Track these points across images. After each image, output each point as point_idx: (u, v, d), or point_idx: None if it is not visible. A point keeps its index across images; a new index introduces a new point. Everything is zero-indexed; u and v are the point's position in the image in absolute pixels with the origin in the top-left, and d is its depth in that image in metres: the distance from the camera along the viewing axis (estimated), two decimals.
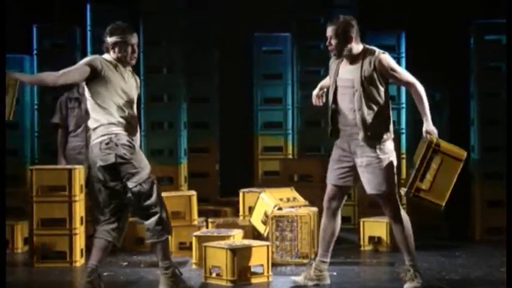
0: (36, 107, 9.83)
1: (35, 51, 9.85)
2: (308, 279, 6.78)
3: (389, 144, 6.54)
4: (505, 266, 6.61)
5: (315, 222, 7.79)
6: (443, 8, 9.98)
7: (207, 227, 8.43)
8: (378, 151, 6.46)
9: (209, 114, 10.19)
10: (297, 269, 7.42)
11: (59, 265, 7.75)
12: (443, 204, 6.35)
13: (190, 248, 7.84)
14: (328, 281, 6.79)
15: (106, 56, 6.45)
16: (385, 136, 6.50)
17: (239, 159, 10.18)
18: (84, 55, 9.69)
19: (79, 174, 7.91)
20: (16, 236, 8.63)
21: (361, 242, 8.63)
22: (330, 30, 6.56)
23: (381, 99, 6.49)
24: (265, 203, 8.07)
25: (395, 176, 6.57)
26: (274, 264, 7.49)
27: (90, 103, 6.40)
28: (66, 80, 6.28)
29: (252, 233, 8.18)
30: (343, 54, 6.56)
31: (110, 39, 6.42)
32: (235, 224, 8.37)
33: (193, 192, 8.58)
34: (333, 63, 6.73)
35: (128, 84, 6.43)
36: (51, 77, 6.20)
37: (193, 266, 7.67)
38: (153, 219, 6.34)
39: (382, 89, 6.49)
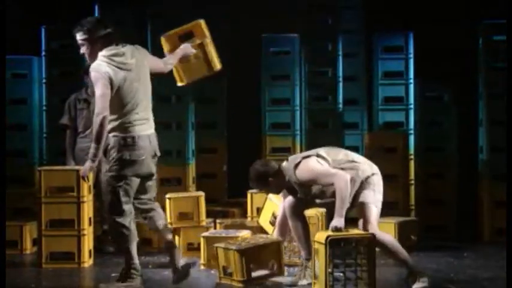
0: (44, 108, 9.84)
1: (43, 53, 9.86)
2: (303, 279, 6.84)
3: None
4: (506, 267, 6.59)
5: (323, 223, 7.77)
6: (451, 8, 9.95)
7: (215, 228, 8.44)
8: None
9: (217, 115, 10.18)
10: None
11: (67, 266, 7.77)
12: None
13: (198, 249, 7.85)
14: None
15: None
16: None
17: (247, 160, 10.07)
18: None
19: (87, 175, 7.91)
20: (25, 237, 8.64)
21: None
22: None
23: (326, 187, 6.66)
24: (273, 203, 8.05)
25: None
26: None
27: None
28: None
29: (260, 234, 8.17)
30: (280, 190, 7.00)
31: None
32: (243, 225, 8.36)
33: (201, 193, 8.57)
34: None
35: None
36: None
37: (202, 267, 7.68)
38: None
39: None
